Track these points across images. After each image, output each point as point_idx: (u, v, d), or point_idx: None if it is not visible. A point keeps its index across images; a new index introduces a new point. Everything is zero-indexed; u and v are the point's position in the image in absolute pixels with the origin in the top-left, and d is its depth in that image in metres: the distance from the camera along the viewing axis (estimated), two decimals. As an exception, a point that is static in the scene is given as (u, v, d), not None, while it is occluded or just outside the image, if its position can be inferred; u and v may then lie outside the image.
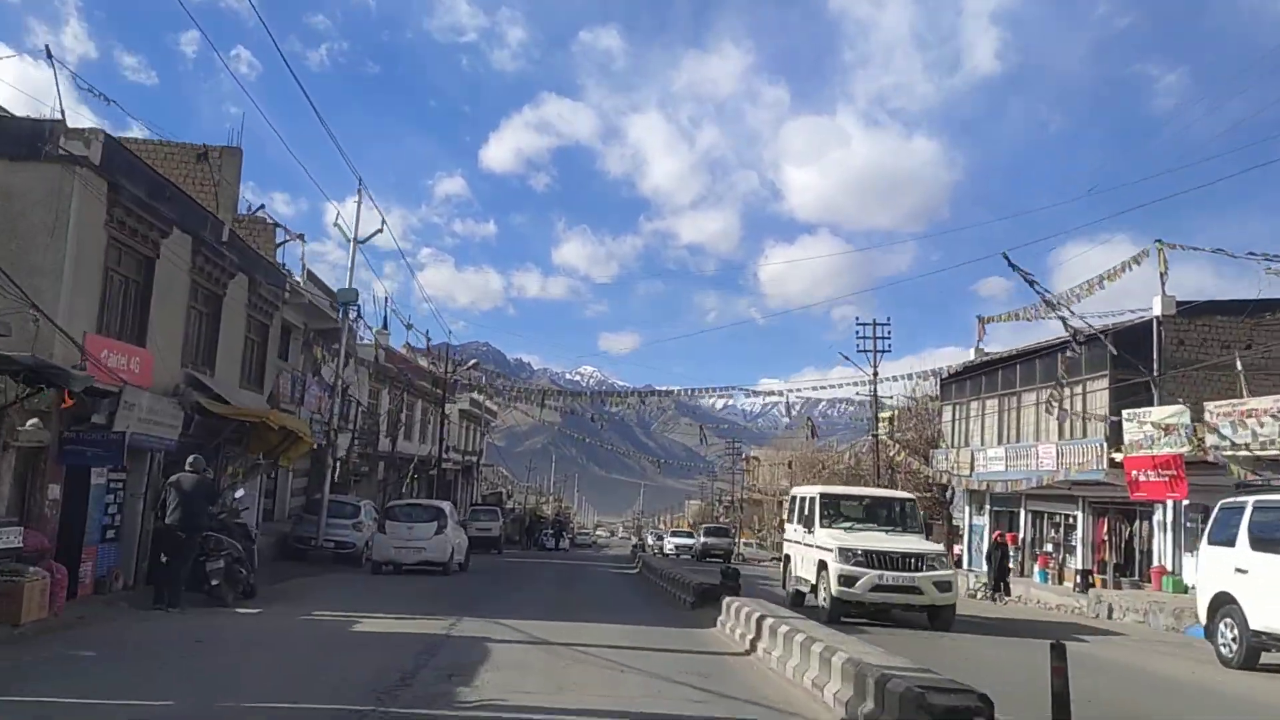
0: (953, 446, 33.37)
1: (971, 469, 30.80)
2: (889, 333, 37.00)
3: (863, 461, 52.03)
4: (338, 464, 27.52)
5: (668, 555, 50.96)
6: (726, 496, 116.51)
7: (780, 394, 42.28)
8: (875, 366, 36.74)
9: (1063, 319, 24.20)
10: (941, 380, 34.39)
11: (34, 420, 12.63)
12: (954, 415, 33.77)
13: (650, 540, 66.94)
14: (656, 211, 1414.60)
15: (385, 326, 37.70)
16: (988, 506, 32.26)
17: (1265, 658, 13.02)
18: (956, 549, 35.04)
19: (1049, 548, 29.41)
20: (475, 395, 57.95)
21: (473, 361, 38.74)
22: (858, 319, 35.25)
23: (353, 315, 26.47)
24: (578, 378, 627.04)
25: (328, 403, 26.94)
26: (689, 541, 55.82)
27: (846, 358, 36.95)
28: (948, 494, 35.15)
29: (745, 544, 77.41)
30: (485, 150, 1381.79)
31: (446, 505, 23.19)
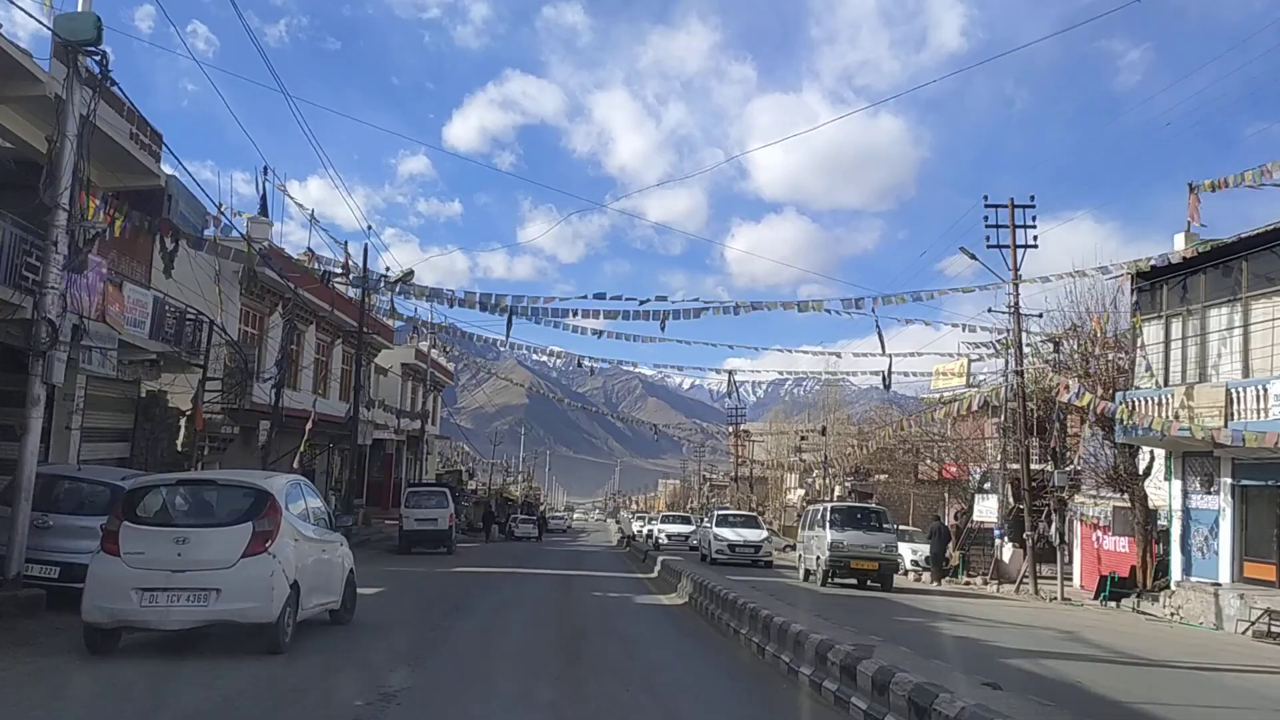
0: (1164, 384, 20.41)
1: (1228, 413, 17.84)
2: (1033, 217, 23.97)
3: (907, 429, 39.45)
4: (54, 393, 14.27)
5: (661, 545, 39.16)
6: (713, 474, 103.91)
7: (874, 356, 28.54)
8: (1015, 265, 23.73)
9: None
10: (1136, 283, 21.29)
11: None
12: (1164, 334, 20.78)
13: (638, 526, 53.84)
14: (623, 190, 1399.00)
15: (265, 212, 24.08)
16: (1226, 479, 19.44)
17: None
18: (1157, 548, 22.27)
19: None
20: (422, 346, 44.31)
21: (406, 270, 24.99)
22: (985, 199, 21.55)
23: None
24: (545, 359, 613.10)
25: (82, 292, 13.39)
26: (684, 529, 42.84)
27: (972, 255, 23.88)
28: (1141, 458, 22.17)
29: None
30: (449, 128, 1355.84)
31: (280, 481, 9.67)
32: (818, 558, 22.31)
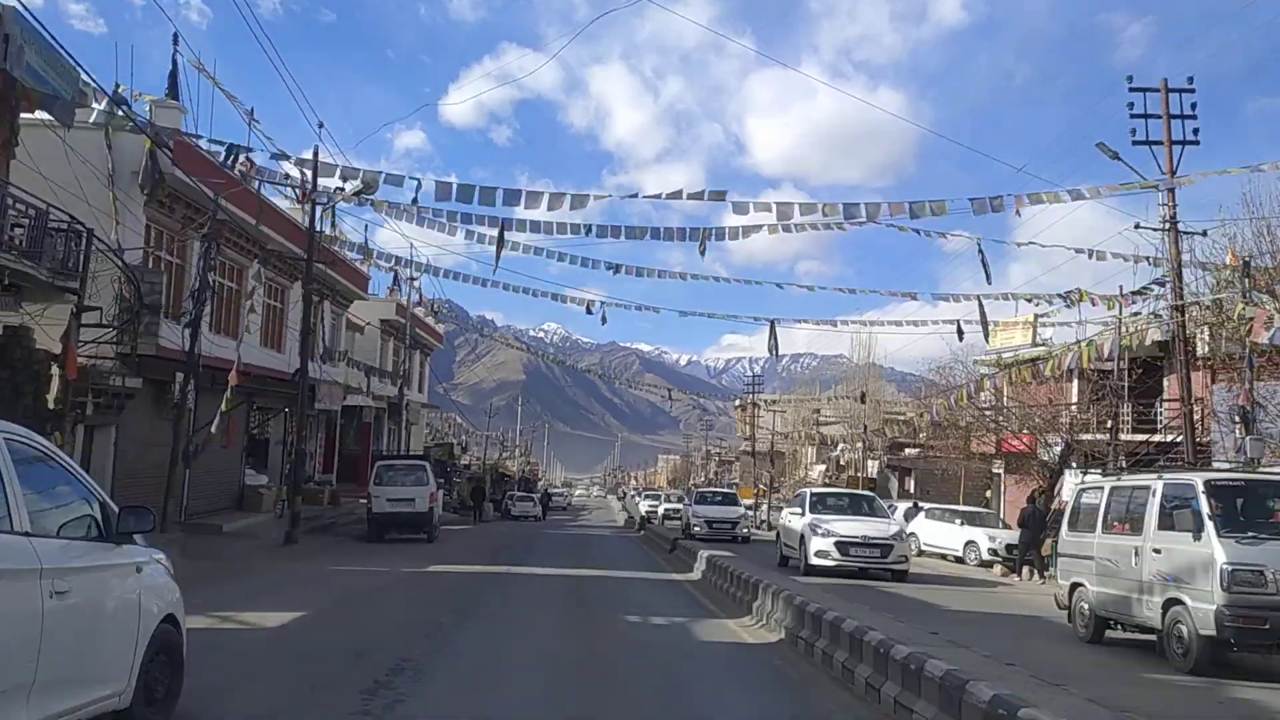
0: None
1: None
2: (1193, 105, 17.89)
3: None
4: None
5: (696, 534, 27.94)
6: (720, 449, 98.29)
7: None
8: (1171, 165, 17.68)
9: None
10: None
11: None
12: None
13: (647, 507, 47.91)
14: (620, 165, 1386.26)
15: (174, 95, 17.96)
16: None
17: None
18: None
19: None
20: (404, 301, 38.26)
21: (366, 179, 18.77)
22: (1129, 81, 15.09)
23: None
24: (541, 334, 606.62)
25: None
26: (730, 513, 33.56)
27: (1115, 155, 17.80)
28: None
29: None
30: (445, 101, 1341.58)
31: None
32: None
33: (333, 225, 25.04)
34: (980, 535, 26.57)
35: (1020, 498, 35.72)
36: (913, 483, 40.72)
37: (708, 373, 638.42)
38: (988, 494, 41.96)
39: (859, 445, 45.04)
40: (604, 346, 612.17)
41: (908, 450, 45.78)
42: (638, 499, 47.69)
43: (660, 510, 40.50)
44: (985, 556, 25.99)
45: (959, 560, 26.74)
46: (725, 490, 36.67)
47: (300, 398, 19.79)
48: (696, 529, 28.17)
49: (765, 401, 78.84)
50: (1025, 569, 23.32)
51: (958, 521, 27.66)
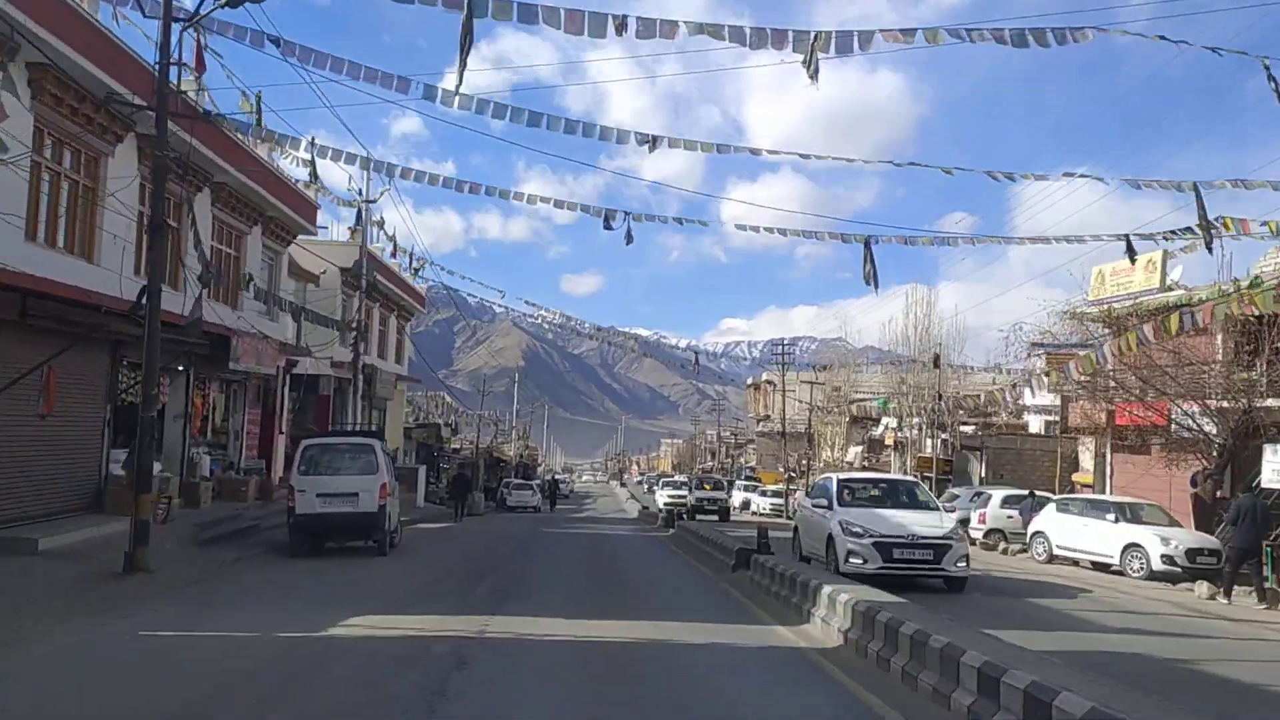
0: None
1: None
2: None
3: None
4: None
5: (855, 569, 13.41)
6: (736, 430, 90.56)
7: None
8: None
9: None
10: None
11: None
12: None
13: (667, 498, 40.46)
14: (618, 150, 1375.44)
15: None
16: None
17: None
18: None
19: None
20: (375, 247, 30.55)
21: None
22: None
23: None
24: (540, 320, 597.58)
25: None
26: (927, 525, 14.50)
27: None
28: None
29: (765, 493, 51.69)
30: (441, 86, 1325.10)
31: None
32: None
33: (255, 129, 17.20)
34: (1148, 537, 18.85)
35: (1136, 481, 28.26)
36: (984, 465, 33.06)
37: (706, 357, 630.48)
38: (1074, 478, 34.36)
39: (915, 420, 37.35)
40: (603, 331, 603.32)
41: (963, 427, 38.12)
42: (653, 488, 40.61)
43: (689, 500, 33.17)
44: (1158, 567, 18.33)
45: (1116, 572, 19.13)
46: (900, 480, 23.21)
47: (147, 338, 11.98)
48: (856, 558, 13.48)
49: (770, 383, 70.67)
50: (1235, 587, 15.77)
51: (1109, 516, 19.91)
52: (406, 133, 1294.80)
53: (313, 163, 24.26)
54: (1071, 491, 32.27)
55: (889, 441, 44.91)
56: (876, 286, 17.50)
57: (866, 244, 17.55)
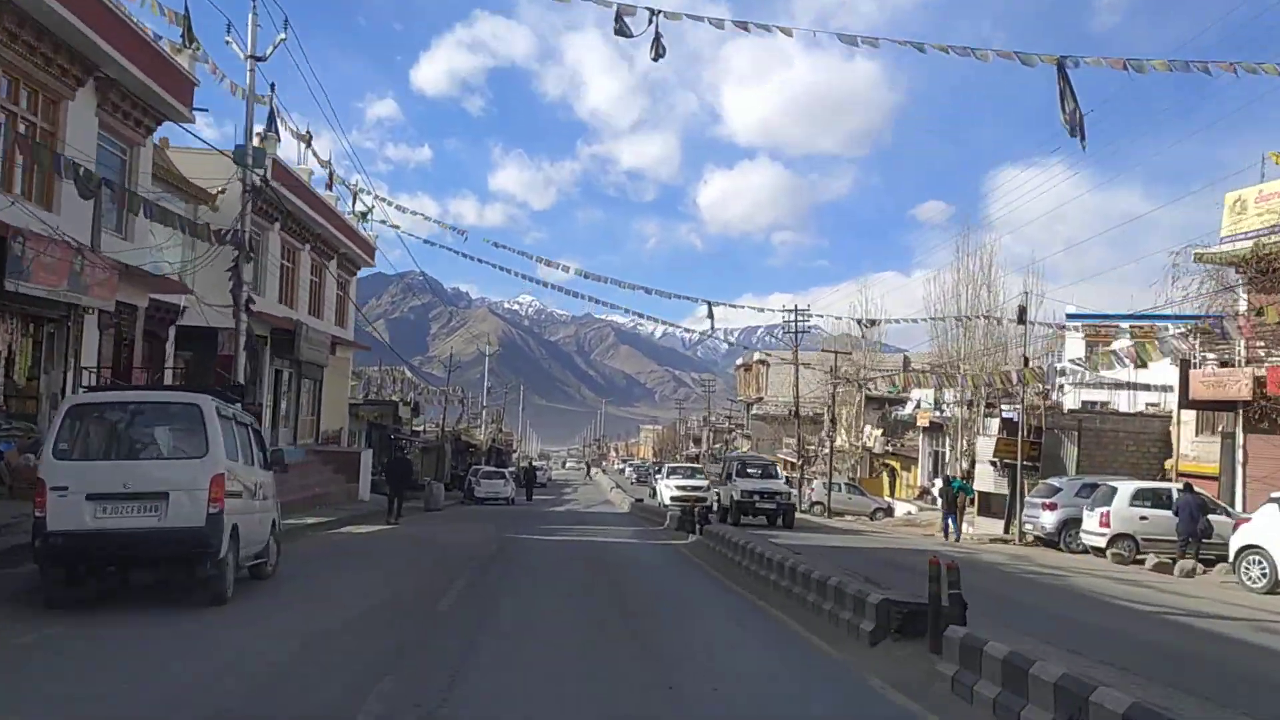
0: None
1: None
2: None
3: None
4: None
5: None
6: (731, 411, 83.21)
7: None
8: None
9: None
10: None
11: None
12: None
13: (676, 489, 32.31)
14: (595, 135, 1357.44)
15: None
16: None
17: None
18: None
19: None
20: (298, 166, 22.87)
21: None
22: None
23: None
24: (516, 307, 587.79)
25: None
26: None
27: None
28: None
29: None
30: (417, 71, 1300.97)
31: None
32: None
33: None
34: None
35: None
36: (1078, 449, 25.94)
37: (683, 344, 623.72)
38: (1167, 465, 27.43)
39: (969, 395, 30.16)
40: (579, 319, 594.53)
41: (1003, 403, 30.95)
42: (647, 478, 31.18)
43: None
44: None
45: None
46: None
47: None
48: None
49: (763, 363, 62.76)
50: None
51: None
52: (381, 116, 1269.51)
53: (186, 15, 16.75)
54: (1161, 477, 25.37)
55: (922, 423, 37.77)
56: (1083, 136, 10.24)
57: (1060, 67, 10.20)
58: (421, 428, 48.07)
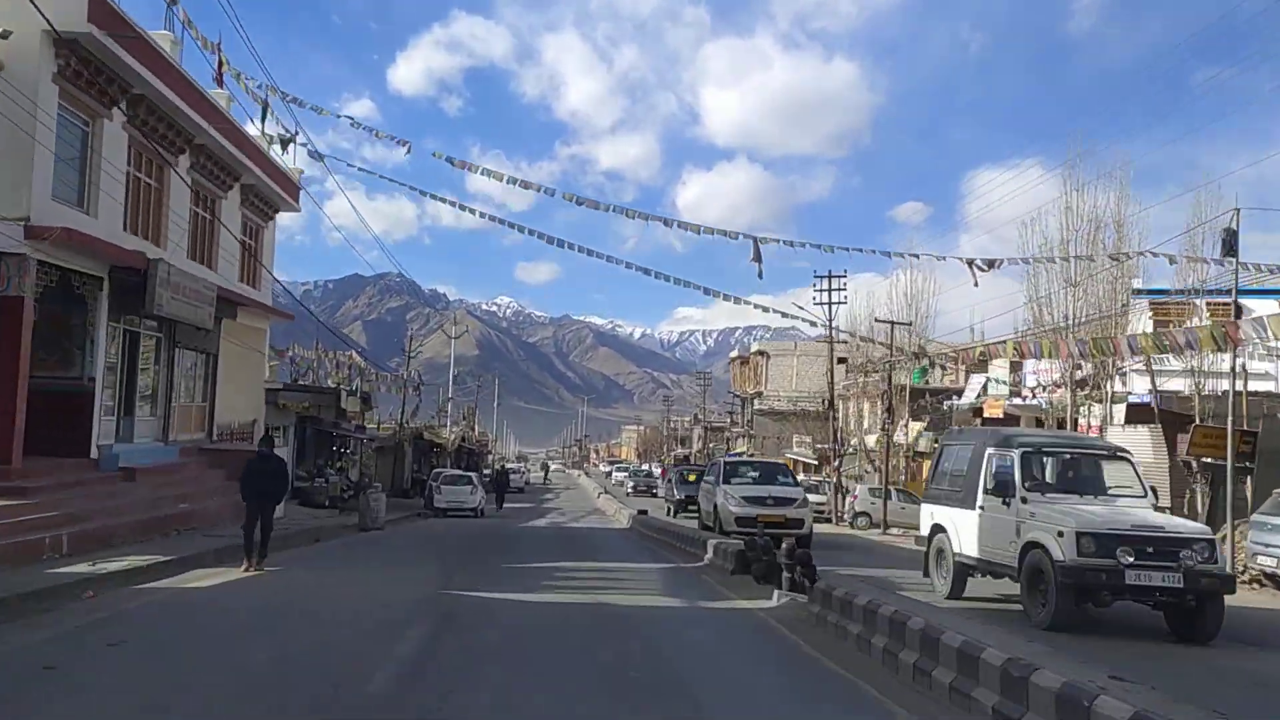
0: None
1: None
2: None
3: None
4: None
5: None
6: (728, 404, 75.14)
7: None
8: None
9: None
10: None
11: None
12: None
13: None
14: (574, 136, 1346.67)
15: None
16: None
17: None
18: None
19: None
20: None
21: None
22: None
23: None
24: (494, 308, 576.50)
25: None
26: None
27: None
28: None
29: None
30: (394, 71, 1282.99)
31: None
32: None
33: None
34: None
35: None
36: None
37: (661, 345, 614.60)
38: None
39: (1079, 370, 22.31)
40: (557, 320, 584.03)
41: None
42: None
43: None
44: None
45: None
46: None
47: None
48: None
49: (763, 353, 54.50)
50: None
51: None
52: (358, 116, 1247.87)
53: None
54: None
55: (992, 412, 29.88)
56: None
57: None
58: (375, 424, 39.66)
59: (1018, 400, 27.65)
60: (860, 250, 23.67)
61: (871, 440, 40.54)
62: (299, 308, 28.39)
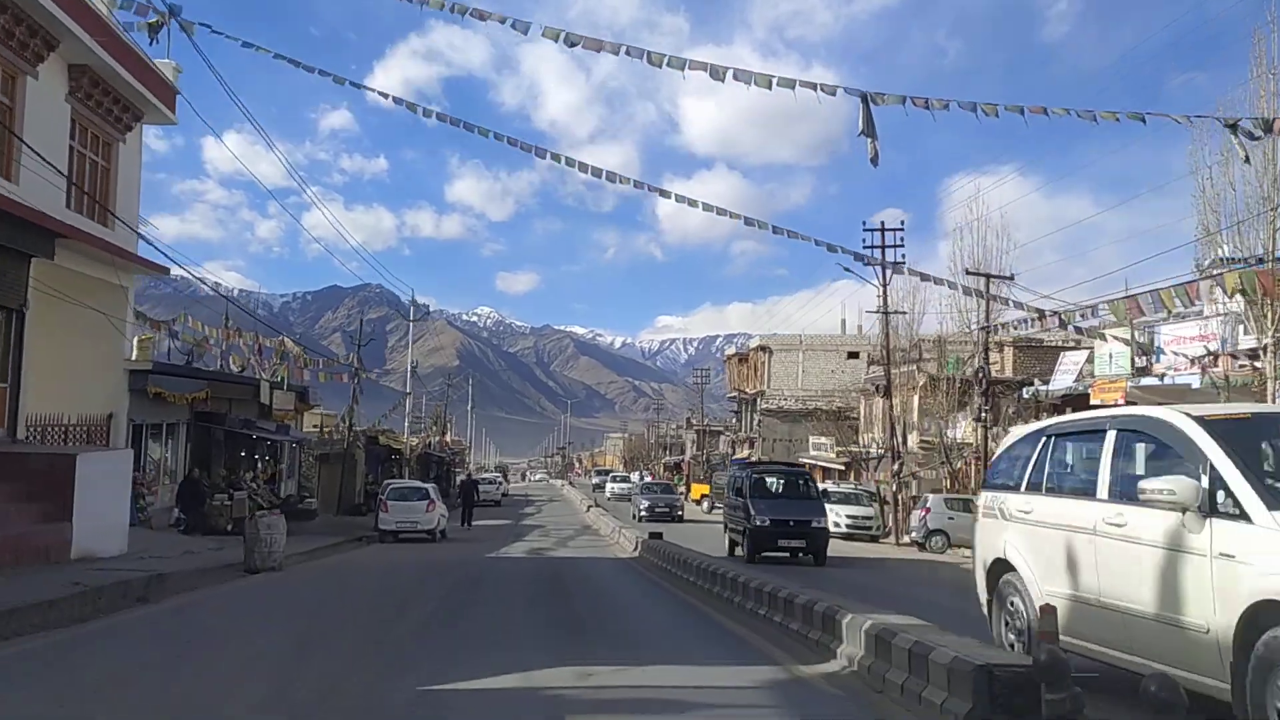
0: None
1: None
2: None
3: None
4: None
5: None
6: (724, 406, 67.77)
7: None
8: None
9: None
10: None
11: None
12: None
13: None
14: (554, 145, 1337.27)
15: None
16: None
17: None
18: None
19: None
20: None
21: None
22: None
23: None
24: (475, 319, 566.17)
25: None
26: None
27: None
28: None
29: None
30: (372, 81, 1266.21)
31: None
32: None
33: None
34: None
35: None
36: None
37: (642, 354, 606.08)
38: None
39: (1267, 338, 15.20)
40: (538, 330, 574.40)
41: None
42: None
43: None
44: None
45: None
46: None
47: None
48: None
49: (764, 349, 46.09)
50: None
51: None
52: (336, 127, 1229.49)
53: None
54: None
55: (1100, 399, 22.67)
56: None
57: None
58: (315, 425, 31.99)
59: (1149, 381, 20.52)
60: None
61: (914, 440, 33.32)
62: (280, 319, 20.80)
